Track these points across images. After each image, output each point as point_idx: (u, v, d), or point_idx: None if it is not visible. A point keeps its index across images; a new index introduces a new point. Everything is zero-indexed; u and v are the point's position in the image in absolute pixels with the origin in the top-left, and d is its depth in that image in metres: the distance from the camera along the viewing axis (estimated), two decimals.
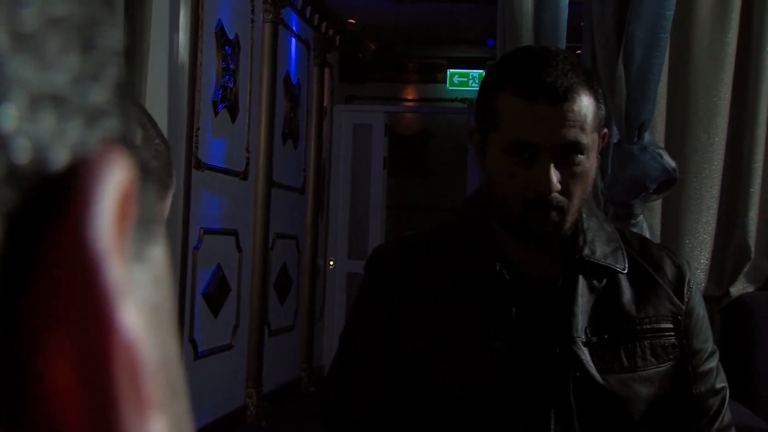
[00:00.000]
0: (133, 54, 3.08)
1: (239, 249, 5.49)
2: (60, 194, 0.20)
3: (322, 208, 7.29)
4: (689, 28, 3.02)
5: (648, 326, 1.42)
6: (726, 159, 3.15)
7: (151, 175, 0.25)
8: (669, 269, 1.48)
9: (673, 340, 1.44)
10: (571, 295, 1.40)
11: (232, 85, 5.23)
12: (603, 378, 1.38)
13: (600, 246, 1.43)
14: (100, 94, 0.22)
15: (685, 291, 1.47)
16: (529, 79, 1.34)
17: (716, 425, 1.48)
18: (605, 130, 1.42)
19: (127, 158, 0.22)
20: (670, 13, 2.60)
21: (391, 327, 1.43)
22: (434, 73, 8.42)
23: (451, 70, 8.38)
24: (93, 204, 0.20)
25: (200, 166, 4.79)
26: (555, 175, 1.32)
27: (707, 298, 3.25)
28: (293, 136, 6.53)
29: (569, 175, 1.34)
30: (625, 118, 2.63)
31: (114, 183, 0.21)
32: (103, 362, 0.20)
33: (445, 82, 8.45)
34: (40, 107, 0.20)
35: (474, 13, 6.63)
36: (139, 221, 0.23)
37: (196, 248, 4.82)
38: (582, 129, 1.33)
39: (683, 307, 1.46)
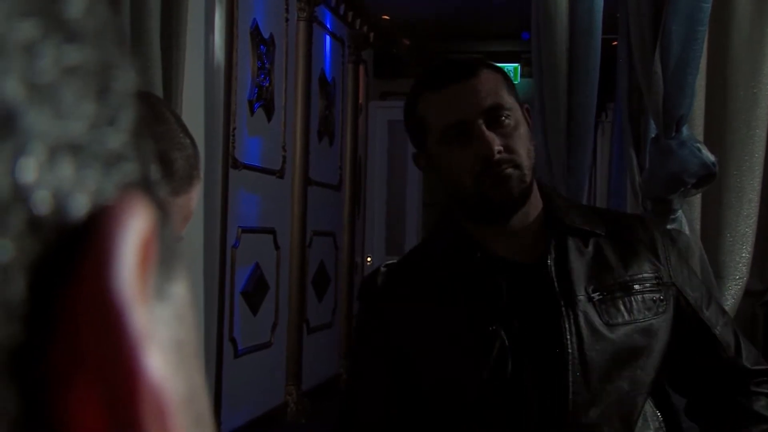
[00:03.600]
0: (170, 55, 3.10)
1: (277, 247, 5.51)
2: (81, 243, 0.20)
3: (358, 205, 7.30)
4: (728, 20, 2.98)
5: (637, 280, 1.49)
6: (767, 151, 3.10)
7: (168, 214, 0.25)
8: (642, 234, 1.55)
9: (659, 296, 1.50)
10: (563, 260, 1.46)
11: (267, 84, 5.26)
12: (610, 330, 1.43)
13: (577, 216, 1.52)
14: (117, 139, 0.22)
15: (660, 249, 1.54)
16: (436, 74, 1.48)
17: (744, 355, 1.55)
18: (526, 105, 1.52)
19: (147, 202, 0.22)
20: (708, 6, 2.56)
21: (392, 348, 1.48)
22: None
23: None
24: (114, 252, 0.20)
25: (237, 165, 4.82)
26: (492, 137, 1.41)
27: (749, 293, 3.20)
28: (329, 133, 6.54)
29: (505, 135, 1.42)
30: (662, 113, 2.60)
31: (135, 229, 0.21)
32: (131, 408, 0.20)
33: None
34: (59, 157, 0.20)
35: (508, 7, 6.58)
36: (160, 261, 0.23)
37: (235, 247, 4.85)
38: (496, 93, 1.44)
39: (662, 266, 1.53)
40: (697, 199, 3.00)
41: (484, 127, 1.41)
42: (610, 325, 1.43)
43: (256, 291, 5.20)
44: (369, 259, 7.63)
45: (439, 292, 1.46)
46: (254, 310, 5.18)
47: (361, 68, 7.23)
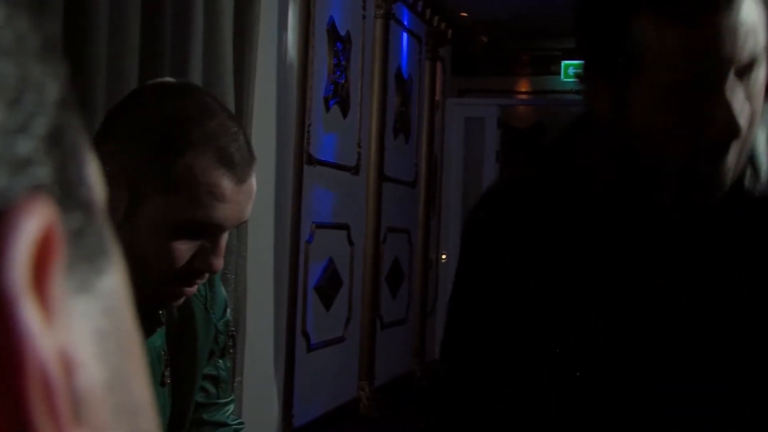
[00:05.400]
0: (242, 53, 3.17)
1: (351, 243, 5.56)
2: None
3: (434, 202, 7.31)
4: None
5: None
6: None
7: (93, 213, 0.26)
8: None
9: None
10: (727, 237, 1.12)
11: (343, 81, 5.30)
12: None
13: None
14: (25, 146, 0.23)
15: None
16: None
17: None
18: None
19: (50, 204, 0.23)
20: None
21: (508, 299, 1.20)
22: (548, 65, 8.30)
23: (566, 62, 8.24)
24: (6, 250, 0.22)
25: (312, 161, 4.88)
26: (740, 110, 1.01)
27: None
28: (405, 130, 6.56)
29: (747, 97, 1.03)
30: None
31: (30, 229, 0.22)
32: (17, 388, 0.22)
33: (560, 74, 8.31)
34: None
35: None
36: (83, 257, 0.25)
37: (308, 242, 4.91)
38: (756, 37, 1.00)
39: None
40: None
41: (728, 95, 1.00)
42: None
43: (329, 286, 5.26)
44: (444, 256, 7.63)
45: (580, 236, 1.15)
46: (327, 305, 5.24)
47: (439, 65, 7.22)
